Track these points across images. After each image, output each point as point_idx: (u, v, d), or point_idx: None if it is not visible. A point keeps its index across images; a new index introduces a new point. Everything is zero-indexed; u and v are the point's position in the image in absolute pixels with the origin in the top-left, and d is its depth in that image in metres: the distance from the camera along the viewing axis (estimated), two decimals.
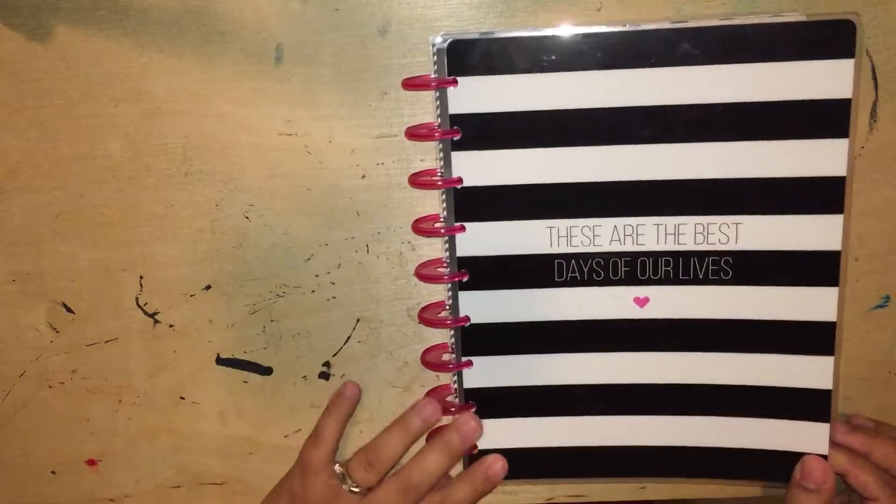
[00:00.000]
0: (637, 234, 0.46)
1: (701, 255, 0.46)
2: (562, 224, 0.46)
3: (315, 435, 0.49)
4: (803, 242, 0.45)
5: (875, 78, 0.45)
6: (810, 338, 0.46)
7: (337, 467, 0.47)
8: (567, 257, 0.47)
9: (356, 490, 0.46)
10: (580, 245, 0.46)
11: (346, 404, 0.49)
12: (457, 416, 0.48)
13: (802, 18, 0.43)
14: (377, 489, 0.46)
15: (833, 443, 0.47)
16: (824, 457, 0.47)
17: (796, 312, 0.46)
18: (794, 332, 0.46)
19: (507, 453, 0.49)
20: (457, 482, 0.47)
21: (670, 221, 0.46)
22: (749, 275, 0.46)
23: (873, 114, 0.46)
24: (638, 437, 0.49)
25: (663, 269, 0.46)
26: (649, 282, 0.47)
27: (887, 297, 0.49)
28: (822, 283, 0.46)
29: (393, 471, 0.48)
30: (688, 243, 0.46)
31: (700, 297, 0.47)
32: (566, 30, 0.44)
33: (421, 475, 0.46)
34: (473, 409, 0.49)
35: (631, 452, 0.49)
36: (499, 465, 0.47)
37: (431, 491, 0.47)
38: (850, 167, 0.44)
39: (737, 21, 0.43)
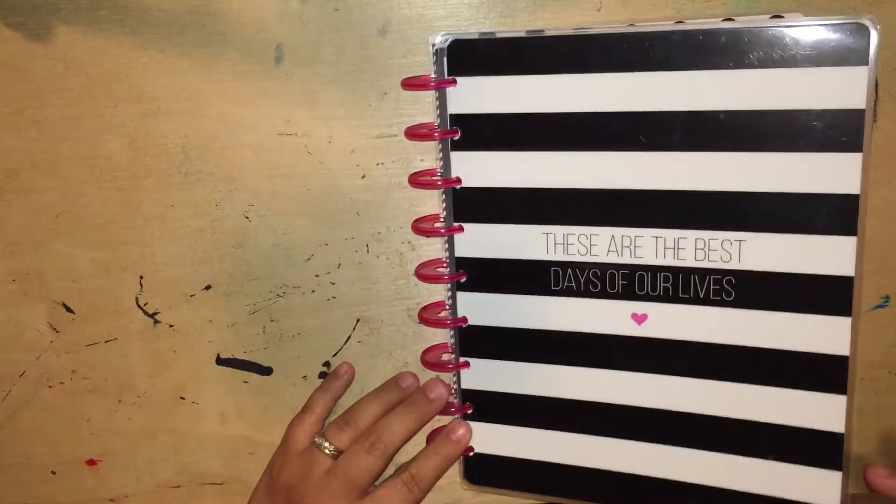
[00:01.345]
0: (635, 246, 0.44)
1: (701, 272, 0.43)
2: (558, 230, 0.45)
3: (302, 408, 0.49)
4: (812, 265, 0.41)
5: (875, 78, 0.45)
6: (819, 372, 0.42)
7: (317, 435, 0.48)
8: (563, 265, 0.45)
9: (330, 451, 0.47)
10: (577, 254, 0.45)
11: (339, 383, 0.50)
12: (427, 381, 0.49)
13: (812, 22, 0.39)
14: (347, 450, 0.47)
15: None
16: None
17: (804, 343, 0.42)
18: (802, 364, 0.42)
19: (503, 460, 0.49)
20: (423, 452, 0.48)
21: (669, 234, 0.43)
22: (752, 298, 0.42)
23: (873, 114, 0.46)
24: (632, 464, 0.46)
25: (662, 284, 0.44)
26: (647, 297, 0.44)
27: (887, 297, 0.49)
28: (833, 313, 0.41)
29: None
30: (687, 259, 0.43)
31: (700, 319, 0.43)
32: (566, 30, 0.44)
33: (387, 434, 0.46)
34: (470, 411, 0.49)
35: (624, 480, 0.47)
36: (462, 428, 0.48)
37: (401, 466, 0.47)
38: (865, 184, 0.40)
39: (741, 25, 0.41)
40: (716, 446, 0.45)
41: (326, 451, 0.47)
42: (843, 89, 0.39)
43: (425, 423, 0.48)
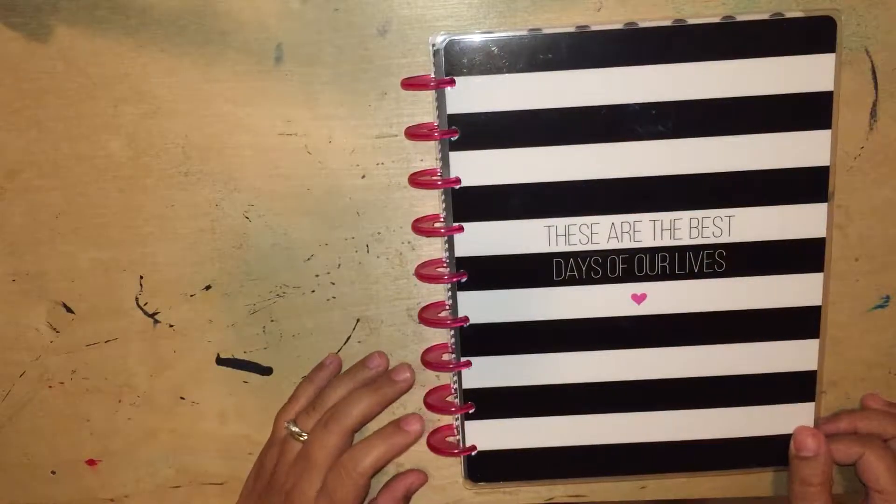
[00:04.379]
0: (634, 231, 0.47)
1: (696, 248, 0.47)
2: (560, 222, 0.46)
3: (288, 399, 0.50)
4: (790, 231, 0.47)
5: (875, 78, 0.45)
6: (797, 323, 0.48)
7: (288, 422, 0.48)
8: (565, 256, 0.47)
9: (300, 436, 0.47)
10: (578, 243, 0.47)
11: (324, 373, 0.50)
12: (396, 366, 0.49)
13: (785, 16, 0.44)
14: (309, 431, 0.47)
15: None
16: None
17: (785, 299, 0.48)
18: (783, 318, 0.48)
19: (507, 453, 0.50)
20: (368, 438, 0.48)
21: (666, 217, 0.46)
22: (741, 266, 0.47)
23: (873, 114, 0.46)
24: (637, 433, 0.50)
25: (660, 264, 0.47)
26: (646, 278, 0.47)
27: (887, 298, 0.49)
28: (809, 270, 0.47)
29: None
30: (683, 238, 0.47)
31: (695, 291, 0.47)
32: (565, 29, 0.44)
33: (342, 410, 0.47)
34: (472, 410, 0.49)
35: (631, 450, 0.50)
36: (416, 423, 0.48)
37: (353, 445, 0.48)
38: (834, 157, 0.46)
39: (725, 21, 0.44)
40: (711, 403, 0.49)
41: (298, 437, 0.47)
42: (815, 74, 0.45)
43: (387, 404, 0.48)
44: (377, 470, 0.47)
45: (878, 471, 0.45)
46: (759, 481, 0.51)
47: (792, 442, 0.47)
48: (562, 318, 0.48)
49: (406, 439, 0.48)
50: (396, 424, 0.49)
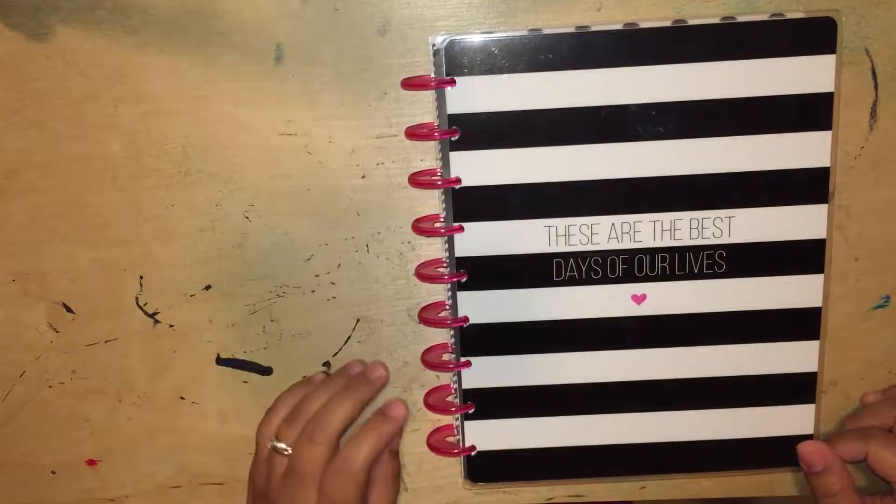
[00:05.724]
0: (634, 231, 0.47)
1: (696, 249, 0.47)
2: (560, 223, 0.47)
3: (267, 412, 0.49)
4: (790, 232, 0.47)
5: (875, 78, 0.45)
6: (798, 324, 0.48)
7: (271, 438, 0.47)
8: (565, 256, 0.47)
9: (287, 452, 0.46)
10: (578, 244, 0.47)
11: (306, 385, 0.49)
12: (370, 363, 0.49)
13: (786, 17, 0.44)
14: (293, 445, 0.46)
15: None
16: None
17: (785, 300, 0.48)
18: (783, 319, 0.48)
19: (507, 453, 0.50)
20: (357, 434, 0.47)
21: (666, 217, 0.47)
22: (741, 267, 0.47)
23: (873, 114, 0.46)
24: (637, 434, 0.50)
25: (660, 265, 0.47)
26: (646, 278, 0.47)
27: (887, 297, 0.49)
28: (809, 271, 0.47)
29: None
30: (683, 238, 0.47)
31: (695, 292, 0.48)
32: (565, 30, 0.44)
33: (325, 420, 0.46)
34: (471, 410, 0.49)
35: (631, 450, 0.50)
36: (398, 408, 0.48)
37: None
38: (834, 158, 0.46)
39: (726, 21, 0.44)
40: (711, 404, 0.49)
41: (284, 452, 0.46)
42: (815, 75, 0.45)
43: (365, 404, 0.48)
44: (371, 463, 0.46)
45: (888, 461, 0.44)
46: (759, 482, 0.51)
47: (800, 461, 0.46)
48: (562, 319, 0.48)
49: (393, 426, 0.47)
50: (381, 413, 0.48)
